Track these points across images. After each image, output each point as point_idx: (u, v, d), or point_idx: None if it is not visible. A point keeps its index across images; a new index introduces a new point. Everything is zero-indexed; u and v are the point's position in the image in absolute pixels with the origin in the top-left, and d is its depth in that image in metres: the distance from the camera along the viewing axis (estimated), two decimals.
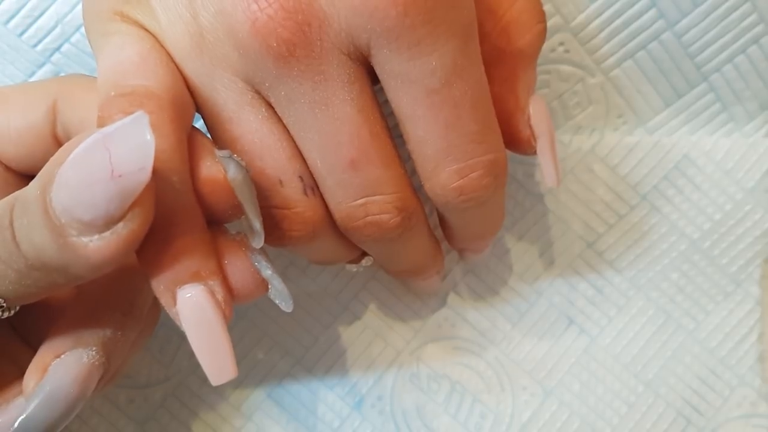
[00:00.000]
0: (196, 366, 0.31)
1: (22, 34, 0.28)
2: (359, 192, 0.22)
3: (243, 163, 0.20)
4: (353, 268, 0.28)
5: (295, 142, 0.22)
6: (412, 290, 0.31)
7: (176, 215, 0.19)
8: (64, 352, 0.21)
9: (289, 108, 0.21)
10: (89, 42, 0.23)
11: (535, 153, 0.25)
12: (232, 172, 0.20)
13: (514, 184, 0.31)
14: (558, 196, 0.31)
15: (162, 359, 0.31)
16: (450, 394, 0.31)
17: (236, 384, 0.31)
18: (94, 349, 0.21)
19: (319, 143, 0.22)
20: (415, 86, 0.21)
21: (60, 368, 0.21)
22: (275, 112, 0.22)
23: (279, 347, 0.31)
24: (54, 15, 0.27)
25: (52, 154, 0.18)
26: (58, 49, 0.28)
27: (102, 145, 0.17)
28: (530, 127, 0.24)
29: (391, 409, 0.31)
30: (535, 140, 0.25)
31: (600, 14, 0.29)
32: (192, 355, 0.30)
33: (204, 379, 0.31)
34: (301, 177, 0.22)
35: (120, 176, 0.17)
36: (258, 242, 0.21)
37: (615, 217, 0.31)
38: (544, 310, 0.32)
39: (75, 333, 0.22)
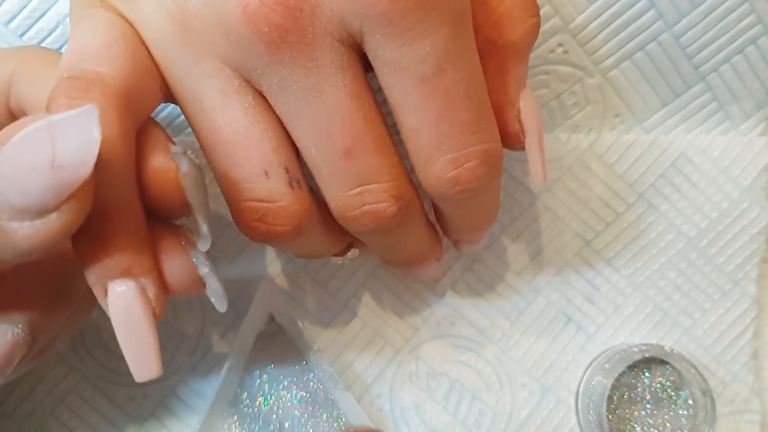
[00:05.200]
0: (195, 363, 0.31)
1: (23, 34, 0.28)
2: (355, 181, 0.22)
3: (197, 161, 0.20)
4: (338, 260, 0.27)
5: (281, 133, 0.22)
6: (412, 276, 0.31)
7: (113, 209, 0.19)
8: None
9: (281, 96, 0.21)
10: (70, 25, 0.22)
11: (523, 148, 0.25)
12: (184, 170, 0.20)
13: (512, 182, 0.31)
14: (556, 194, 0.31)
15: (162, 357, 0.31)
16: (449, 391, 0.32)
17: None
18: (20, 326, 0.21)
19: (312, 131, 0.21)
20: (407, 73, 0.20)
21: None
22: (264, 101, 0.21)
23: None
24: (55, 16, 0.27)
25: (3, 126, 0.18)
26: (59, 49, 0.28)
27: (47, 132, 0.17)
28: (519, 121, 0.24)
29: (390, 406, 0.31)
30: (524, 135, 0.24)
31: (599, 15, 0.29)
32: (192, 352, 0.31)
33: (203, 376, 0.31)
34: (287, 169, 0.22)
35: (60, 167, 0.16)
36: (204, 246, 0.21)
37: (612, 215, 0.31)
38: (542, 307, 0.32)
39: (3, 308, 0.21)
